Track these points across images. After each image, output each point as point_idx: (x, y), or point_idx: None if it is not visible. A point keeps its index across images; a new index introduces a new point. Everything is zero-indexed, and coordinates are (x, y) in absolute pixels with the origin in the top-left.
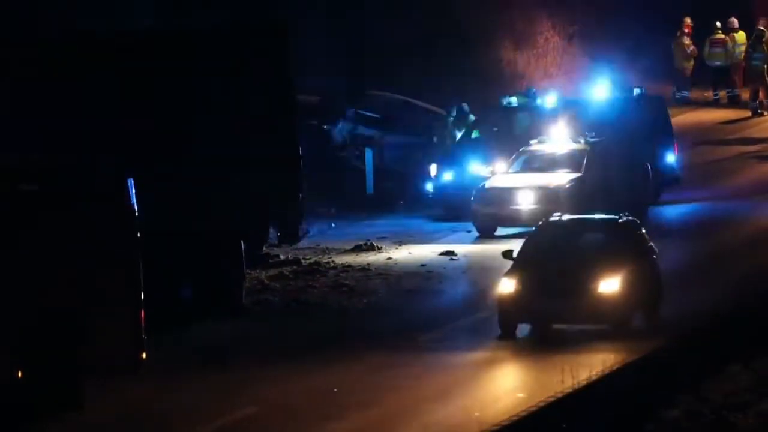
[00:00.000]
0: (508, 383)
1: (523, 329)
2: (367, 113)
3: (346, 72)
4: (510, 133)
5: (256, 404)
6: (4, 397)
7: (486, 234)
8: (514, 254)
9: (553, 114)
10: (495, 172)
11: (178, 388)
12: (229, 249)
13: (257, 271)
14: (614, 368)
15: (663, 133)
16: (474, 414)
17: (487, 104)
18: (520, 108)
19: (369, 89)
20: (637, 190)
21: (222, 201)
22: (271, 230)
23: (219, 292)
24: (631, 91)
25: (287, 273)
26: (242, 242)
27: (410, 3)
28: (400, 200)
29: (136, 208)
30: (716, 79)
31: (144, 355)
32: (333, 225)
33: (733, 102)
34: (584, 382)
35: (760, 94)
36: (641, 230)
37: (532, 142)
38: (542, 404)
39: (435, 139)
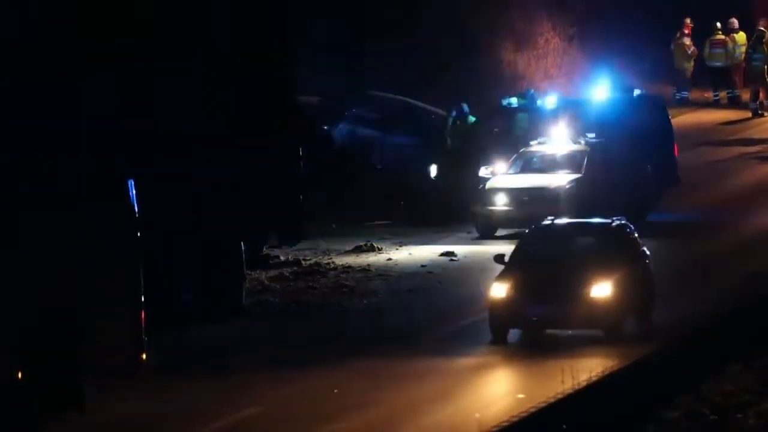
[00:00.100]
0: (508, 384)
1: (515, 333)
2: (367, 114)
3: (346, 72)
4: (510, 134)
5: (257, 405)
6: (4, 397)
7: (486, 235)
8: (506, 258)
9: (554, 115)
10: (495, 173)
11: (178, 388)
12: (229, 249)
13: (257, 271)
14: (614, 369)
15: (663, 134)
16: (474, 415)
17: (487, 105)
18: (520, 109)
19: (369, 89)
20: (637, 190)
21: (222, 201)
22: (271, 231)
23: (219, 292)
24: (631, 91)
25: (287, 274)
26: (242, 243)
27: (411, 4)
28: (401, 201)
29: (136, 208)
30: (716, 79)
31: (144, 356)
32: (333, 226)
33: (734, 103)
34: (584, 384)
35: (761, 95)
36: (634, 234)
37: (532, 142)
38: (542, 405)
39: (448, 141)
